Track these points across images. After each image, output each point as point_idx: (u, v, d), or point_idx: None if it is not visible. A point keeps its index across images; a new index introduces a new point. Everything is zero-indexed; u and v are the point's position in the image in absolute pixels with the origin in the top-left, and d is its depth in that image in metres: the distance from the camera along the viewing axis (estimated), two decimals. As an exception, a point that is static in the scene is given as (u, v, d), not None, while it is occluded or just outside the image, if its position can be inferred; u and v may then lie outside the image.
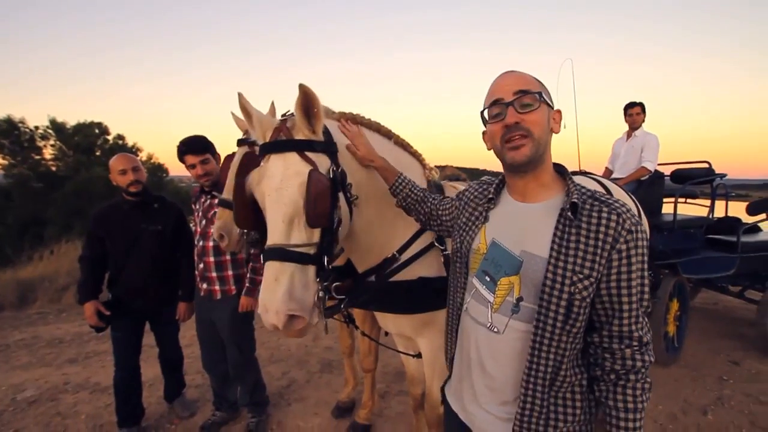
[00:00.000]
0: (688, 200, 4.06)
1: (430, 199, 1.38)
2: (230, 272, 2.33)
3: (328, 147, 1.22)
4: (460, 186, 2.00)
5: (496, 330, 0.99)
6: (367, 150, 1.38)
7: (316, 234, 1.14)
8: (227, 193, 1.75)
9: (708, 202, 3.92)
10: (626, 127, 4.17)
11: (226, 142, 2.43)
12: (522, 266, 0.95)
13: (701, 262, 3.49)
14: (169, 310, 2.57)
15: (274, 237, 1.10)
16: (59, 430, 2.66)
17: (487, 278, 1.01)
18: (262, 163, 1.16)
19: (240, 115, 1.80)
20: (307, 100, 1.15)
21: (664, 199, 3.88)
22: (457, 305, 1.12)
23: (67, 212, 10.51)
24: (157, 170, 13.45)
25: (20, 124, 11.76)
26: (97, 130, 12.82)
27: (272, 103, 1.74)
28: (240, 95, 1.25)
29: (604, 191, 2.04)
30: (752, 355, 3.61)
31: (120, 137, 13.29)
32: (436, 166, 1.82)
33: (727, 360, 3.54)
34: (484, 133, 1.05)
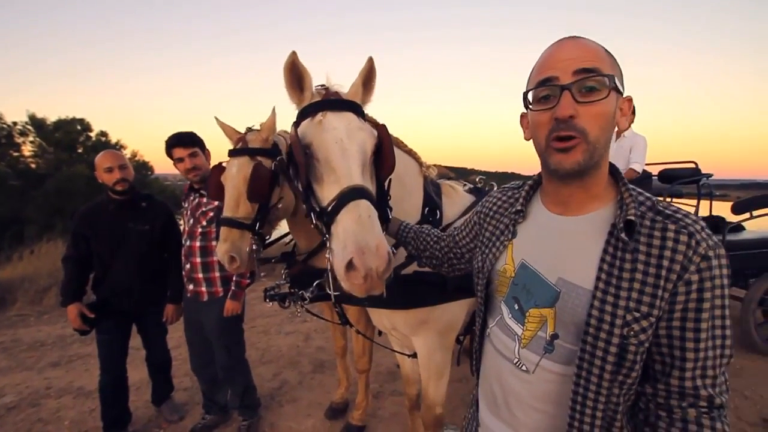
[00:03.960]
0: (674, 200, 4.12)
1: (444, 235, 1.23)
2: (217, 274, 2.26)
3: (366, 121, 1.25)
4: (457, 185, 1.97)
5: (524, 368, 0.81)
6: None
7: (373, 188, 1.13)
8: (229, 211, 1.58)
9: (692, 201, 3.98)
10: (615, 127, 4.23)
11: (212, 141, 2.38)
12: (559, 298, 0.75)
13: None
14: (156, 311, 2.50)
15: (353, 178, 1.04)
16: (41, 437, 2.56)
17: (516, 306, 0.83)
18: (316, 117, 1.13)
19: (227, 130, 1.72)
20: (371, 72, 1.21)
21: None
22: (480, 326, 0.98)
23: (48, 211, 10.21)
24: (141, 168, 13.20)
25: (-3, 120, 11.39)
26: (79, 127, 12.46)
27: (273, 109, 1.70)
28: (293, 52, 1.11)
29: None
30: (736, 352, 3.68)
31: (103, 134, 12.97)
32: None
33: (712, 356, 3.64)
34: (523, 116, 0.83)
